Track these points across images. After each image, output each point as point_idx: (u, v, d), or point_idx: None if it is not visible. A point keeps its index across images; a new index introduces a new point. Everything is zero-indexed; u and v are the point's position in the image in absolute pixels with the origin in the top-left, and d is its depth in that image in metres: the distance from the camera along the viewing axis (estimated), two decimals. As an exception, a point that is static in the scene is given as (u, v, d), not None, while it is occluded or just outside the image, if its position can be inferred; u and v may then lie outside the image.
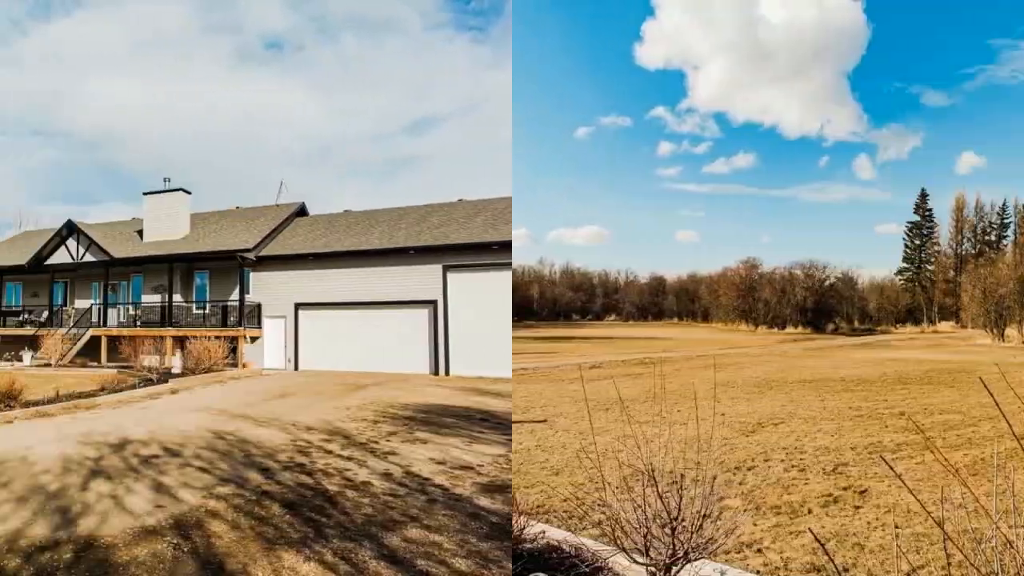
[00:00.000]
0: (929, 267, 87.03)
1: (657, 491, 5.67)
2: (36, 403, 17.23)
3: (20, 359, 31.53)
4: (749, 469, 11.59)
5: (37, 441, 12.93)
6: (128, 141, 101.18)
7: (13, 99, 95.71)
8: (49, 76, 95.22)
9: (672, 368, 30.19)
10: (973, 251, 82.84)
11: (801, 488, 10.36)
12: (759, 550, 7.75)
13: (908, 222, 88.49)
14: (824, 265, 79.69)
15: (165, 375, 24.67)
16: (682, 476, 5.83)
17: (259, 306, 31.85)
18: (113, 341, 31.97)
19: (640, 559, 5.87)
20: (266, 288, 32.05)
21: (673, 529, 5.66)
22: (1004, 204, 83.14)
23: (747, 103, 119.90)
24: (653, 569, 5.80)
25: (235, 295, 31.87)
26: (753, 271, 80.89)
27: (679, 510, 5.67)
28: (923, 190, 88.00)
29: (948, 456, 11.96)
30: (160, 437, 13.43)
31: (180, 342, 30.24)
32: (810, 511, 9.24)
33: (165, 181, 35.31)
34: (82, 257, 34.57)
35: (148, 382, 22.44)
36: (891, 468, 10.89)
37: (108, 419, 15.80)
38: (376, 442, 13.02)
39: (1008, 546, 3.65)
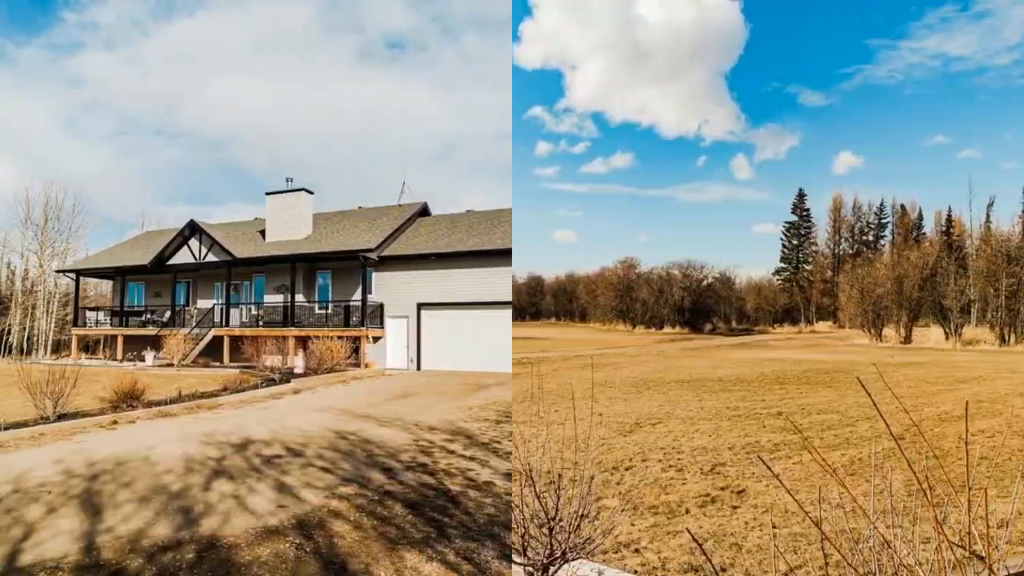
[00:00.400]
0: (807, 267, 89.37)
1: (534, 491, 5.81)
2: (158, 403, 18.18)
3: (142, 359, 33.43)
4: (627, 469, 11.86)
5: (159, 441, 13.60)
6: (250, 141, 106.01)
7: (137, 99, 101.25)
8: (171, 76, 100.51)
9: (550, 368, 30.39)
10: (851, 251, 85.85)
11: (679, 488, 10.59)
12: (637, 550, 7.92)
13: (785, 222, 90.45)
14: (702, 265, 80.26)
15: (287, 375, 25.63)
16: (560, 476, 5.98)
17: (381, 306, 32.70)
18: (235, 341, 33.54)
19: (518, 559, 6.01)
20: (388, 288, 32.86)
21: (551, 529, 5.83)
22: (881, 204, 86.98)
23: (625, 103, 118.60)
24: (531, 569, 5.92)
25: (357, 295, 32.82)
26: (631, 271, 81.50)
27: (557, 510, 5.85)
28: (800, 190, 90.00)
29: (826, 456, 12.37)
30: (282, 437, 13.89)
31: (302, 342, 31.38)
32: (688, 511, 9.45)
33: (287, 181, 36.85)
34: (204, 257, 36.40)
35: (270, 382, 23.35)
36: (768, 468, 11.29)
37: (230, 419, 16.50)
38: (498, 442, 13.09)
39: (886, 546, 3.77)
